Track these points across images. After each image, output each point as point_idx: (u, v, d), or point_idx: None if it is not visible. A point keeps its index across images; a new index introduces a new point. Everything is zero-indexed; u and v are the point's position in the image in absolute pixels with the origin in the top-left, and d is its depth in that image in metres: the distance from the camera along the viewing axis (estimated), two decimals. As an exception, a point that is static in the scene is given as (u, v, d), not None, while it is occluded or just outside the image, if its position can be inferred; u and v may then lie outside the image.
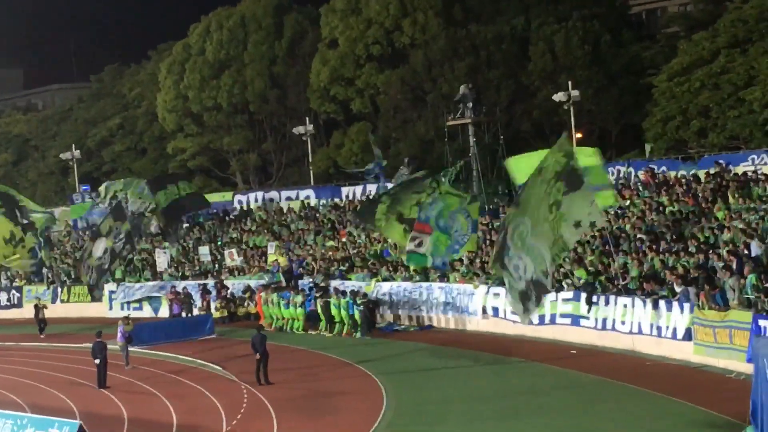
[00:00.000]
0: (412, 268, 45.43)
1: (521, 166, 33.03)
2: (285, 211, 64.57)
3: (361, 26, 72.66)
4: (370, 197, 60.82)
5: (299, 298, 47.83)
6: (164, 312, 54.85)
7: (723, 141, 52.94)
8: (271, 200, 68.21)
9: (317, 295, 47.22)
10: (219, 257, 59.26)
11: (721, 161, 45.88)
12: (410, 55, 71.29)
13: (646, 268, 35.73)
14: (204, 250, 59.76)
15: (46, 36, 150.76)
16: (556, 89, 59.35)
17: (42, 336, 52.45)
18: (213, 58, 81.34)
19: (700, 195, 40.88)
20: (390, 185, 56.34)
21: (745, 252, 32.86)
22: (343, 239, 55.41)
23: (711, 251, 34.07)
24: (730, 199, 39.26)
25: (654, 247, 36.71)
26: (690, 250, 35.15)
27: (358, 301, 45.03)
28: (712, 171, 44.37)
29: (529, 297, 28.37)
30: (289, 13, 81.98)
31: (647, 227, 39.55)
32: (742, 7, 54.71)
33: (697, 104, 53.76)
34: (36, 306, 54.61)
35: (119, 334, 41.62)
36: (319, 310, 46.47)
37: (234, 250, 58.49)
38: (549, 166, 28.30)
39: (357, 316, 44.80)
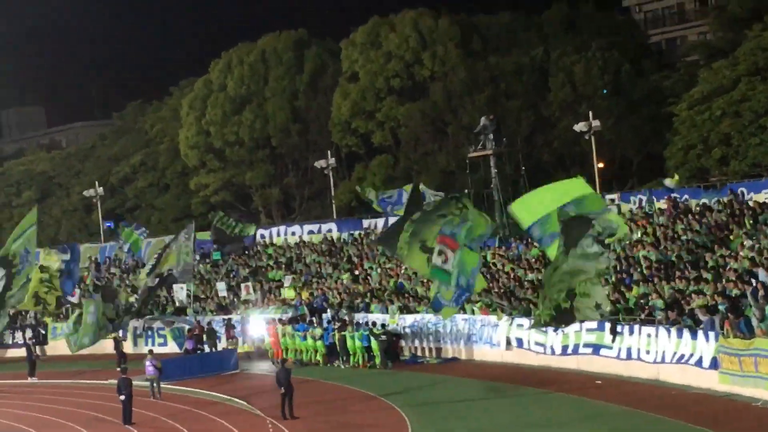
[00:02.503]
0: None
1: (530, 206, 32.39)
2: (302, 244, 64.48)
3: (381, 60, 72.95)
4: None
5: (318, 331, 47.85)
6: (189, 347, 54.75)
7: (745, 168, 52.84)
8: (294, 234, 68.35)
9: (335, 328, 47.25)
10: (237, 292, 59.27)
11: (742, 188, 45.79)
12: (430, 87, 71.53)
13: (666, 296, 35.67)
14: (221, 286, 59.80)
15: (69, 74, 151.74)
16: (577, 119, 59.15)
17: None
18: (234, 93, 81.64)
19: (713, 223, 40.87)
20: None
21: (752, 280, 32.78)
22: (356, 272, 55.36)
23: (733, 282, 33.93)
24: (747, 227, 39.21)
25: (662, 276, 36.68)
26: (705, 277, 35.09)
27: (376, 332, 45.06)
28: (724, 199, 44.30)
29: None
30: (310, 47, 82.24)
31: (663, 256, 39.49)
32: (761, 34, 54.64)
33: (719, 132, 53.65)
34: (115, 339, 54.05)
35: (151, 367, 41.66)
36: (337, 344, 46.53)
37: (249, 284, 58.56)
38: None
39: (374, 347, 44.80)
